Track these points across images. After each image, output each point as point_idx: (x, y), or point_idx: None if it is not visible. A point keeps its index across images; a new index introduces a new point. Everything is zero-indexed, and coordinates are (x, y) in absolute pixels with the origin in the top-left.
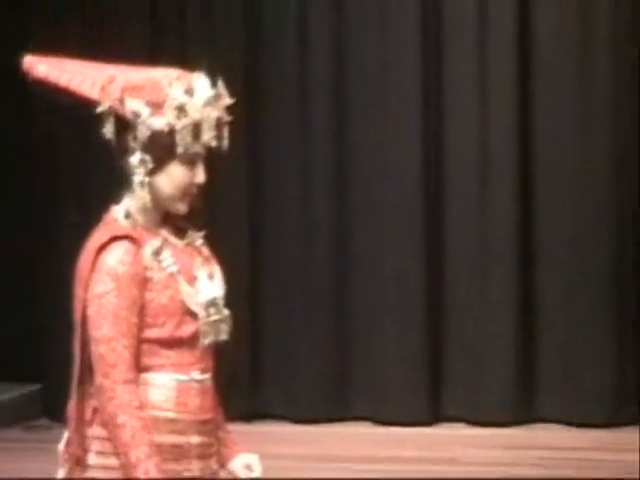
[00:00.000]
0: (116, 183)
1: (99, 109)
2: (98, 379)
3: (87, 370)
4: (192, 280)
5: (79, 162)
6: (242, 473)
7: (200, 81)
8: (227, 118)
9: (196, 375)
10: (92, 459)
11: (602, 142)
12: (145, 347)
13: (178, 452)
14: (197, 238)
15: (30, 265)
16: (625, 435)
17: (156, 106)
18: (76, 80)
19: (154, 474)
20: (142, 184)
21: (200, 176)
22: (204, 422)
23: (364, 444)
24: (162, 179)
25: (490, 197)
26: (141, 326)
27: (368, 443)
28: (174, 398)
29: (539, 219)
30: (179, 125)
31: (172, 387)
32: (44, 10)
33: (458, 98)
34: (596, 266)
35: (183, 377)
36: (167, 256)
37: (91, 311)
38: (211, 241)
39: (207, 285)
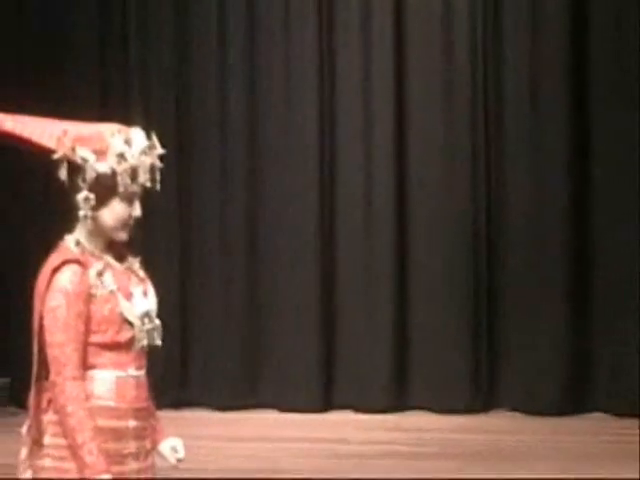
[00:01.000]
0: (70, 216)
1: (55, 156)
2: (52, 376)
3: (43, 368)
4: (129, 296)
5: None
6: (169, 454)
7: (137, 134)
8: (159, 164)
9: (132, 372)
10: (47, 440)
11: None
12: (91, 349)
13: (118, 434)
14: (134, 262)
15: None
16: (480, 419)
17: (100, 153)
18: (37, 133)
19: (95, 453)
20: (86, 217)
21: (137, 210)
22: (139, 409)
23: (269, 427)
24: (105, 213)
25: (373, 226)
26: (87, 333)
27: (272, 426)
28: (114, 390)
29: (414, 243)
30: (120, 169)
31: (112, 381)
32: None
33: (346, 132)
34: (459, 279)
35: (121, 373)
36: (108, 277)
37: (46, 321)
38: (147, 265)
39: (141, 300)
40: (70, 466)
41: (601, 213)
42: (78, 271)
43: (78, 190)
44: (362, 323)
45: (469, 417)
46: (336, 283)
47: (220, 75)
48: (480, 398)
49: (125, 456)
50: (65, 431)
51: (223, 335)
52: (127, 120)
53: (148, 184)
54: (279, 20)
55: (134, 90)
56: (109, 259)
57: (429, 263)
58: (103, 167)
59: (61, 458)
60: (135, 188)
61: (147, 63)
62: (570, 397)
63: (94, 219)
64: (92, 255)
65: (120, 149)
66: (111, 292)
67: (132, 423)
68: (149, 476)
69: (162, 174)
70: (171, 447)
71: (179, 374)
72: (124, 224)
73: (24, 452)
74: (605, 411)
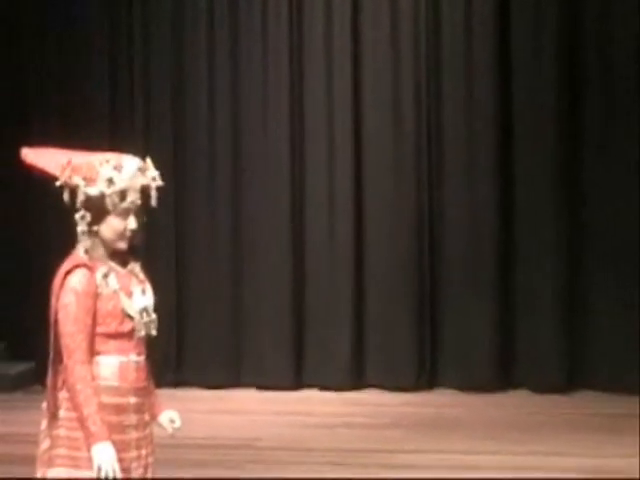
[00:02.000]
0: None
1: (57, 183)
2: (64, 360)
3: (58, 354)
4: (129, 294)
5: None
6: (167, 425)
7: (128, 160)
8: (155, 184)
9: (133, 357)
10: (62, 413)
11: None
12: (97, 339)
13: (121, 409)
14: (136, 266)
15: (27, 261)
16: (424, 395)
17: (90, 180)
18: (48, 164)
19: (99, 424)
20: (83, 232)
21: (132, 224)
22: (139, 388)
23: (249, 402)
24: (104, 228)
25: (334, 225)
26: (94, 325)
27: (252, 402)
28: (117, 372)
29: (369, 242)
30: (108, 192)
31: (116, 365)
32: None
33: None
34: (407, 273)
35: (124, 358)
36: (112, 278)
37: (60, 315)
38: (147, 268)
39: (140, 298)
40: (80, 435)
41: (523, 214)
42: (86, 274)
43: (76, 210)
44: (326, 314)
45: (415, 394)
46: (305, 281)
47: (210, 97)
48: (424, 377)
49: (127, 427)
50: (74, 406)
51: (211, 327)
52: (132, 134)
53: (139, 202)
54: (258, 53)
55: (139, 104)
56: (113, 264)
57: (382, 259)
58: (93, 191)
59: (73, 428)
60: (126, 206)
61: (149, 84)
62: (500, 376)
63: (96, 233)
64: (98, 261)
65: (109, 175)
66: (114, 291)
67: (133, 399)
68: (148, 443)
69: (160, 190)
70: (169, 418)
71: (175, 359)
72: (121, 236)
73: (44, 423)
74: (530, 388)
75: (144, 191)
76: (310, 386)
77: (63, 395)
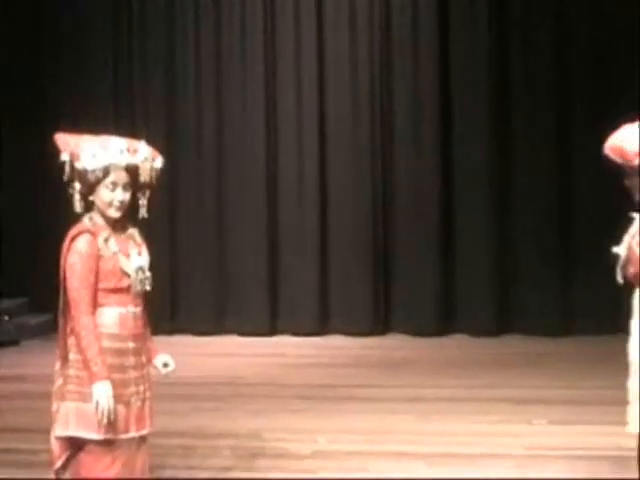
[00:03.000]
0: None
1: (60, 160)
2: (71, 311)
3: (66, 306)
4: (127, 255)
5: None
6: (161, 367)
7: (116, 140)
8: (149, 164)
9: (131, 308)
10: (71, 356)
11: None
12: (100, 293)
13: (120, 352)
14: (134, 232)
15: (44, 228)
16: (379, 339)
17: (75, 156)
18: (62, 145)
19: (100, 365)
20: (77, 201)
21: (118, 196)
22: (136, 335)
23: (232, 347)
24: (97, 198)
25: (303, 197)
26: (97, 282)
27: (235, 346)
28: (117, 321)
29: (332, 210)
30: (90, 167)
31: (116, 315)
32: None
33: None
34: (364, 234)
35: (123, 310)
36: (112, 242)
37: (67, 273)
38: (145, 233)
39: (136, 258)
40: (85, 374)
41: (461, 181)
42: (89, 238)
43: (71, 181)
44: (296, 273)
45: (371, 338)
46: (278, 248)
47: (197, 103)
48: (379, 324)
49: (126, 367)
50: (79, 350)
51: (200, 283)
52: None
53: (125, 178)
54: (238, 70)
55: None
56: (113, 230)
57: (344, 222)
58: (78, 165)
59: (80, 368)
60: (111, 180)
61: (147, 85)
62: (442, 322)
63: (92, 203)
64: (101, 227)
65: (93, 152)
66: (114, 253)
67: (131, 344)
68: (145, 381)
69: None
70: (163, 362)
71: (169, 310)
72: (110, 205)
73: (57, 365)
74: (466, 332)
75: (132, 169)
76: (283, 332)
77: (72, 341)
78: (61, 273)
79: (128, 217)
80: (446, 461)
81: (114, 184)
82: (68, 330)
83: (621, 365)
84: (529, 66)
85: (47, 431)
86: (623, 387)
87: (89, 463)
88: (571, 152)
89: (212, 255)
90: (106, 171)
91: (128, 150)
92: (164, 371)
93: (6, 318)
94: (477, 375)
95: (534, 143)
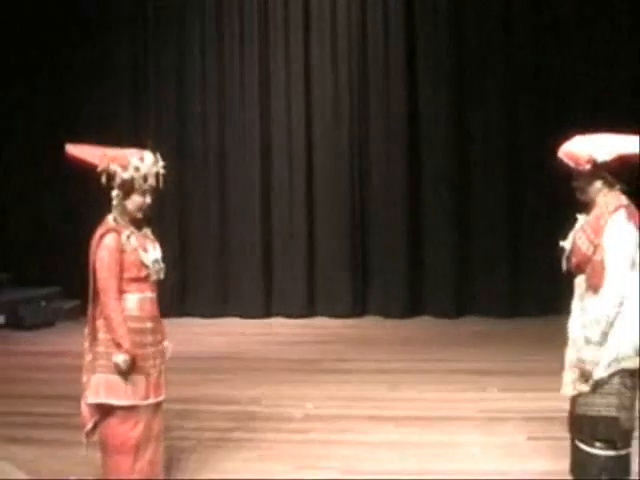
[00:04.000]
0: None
1: (98, 169)
2: (101, 298)
3: (96, 294)
4: (145, 250)
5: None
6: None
7: (147, 154)
8: (162, 171)
9: (149, 294)
10: (101, 335)
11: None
12: (124, 282)
13: (141, 330)
14: (148, 230)
15: (75, 225)
16: (357, 320)
17: (124, 167)
18: (87, 155)
19: (128, 341)
20: (116, 205)
21: (148, 200)
22: (153, 316)
23: (233, 327)
24: (129, 203)
25: (292, 192)
26: (121, 272)
27: (235, 326)
28: (138, 305)
29: (318, 202)
30: (136, 176)
31: (137, 300)
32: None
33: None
34: (345, 225)
35: (142, 295)
36: (133, 239)
37: (97, 265)
38: (155, 231)
39: (152, 252)
40: (113, 349)
41: (425, 190)
42: (115, 236)
43: (112, 189)
44: (287, 264)
45: (351, 319)
46: (272, 239)
47: (201, 90)
48: (357, 307)
49: (145, 344)
50: (109, 330)
51: (205, 274)
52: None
53: (154, 184)
54: (233, 82)
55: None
56: (133, 228)
57: (327, 223)
58: (126, 175)
59: (109, 346)
60: (146, 187)
61: (160, 96)
62: (410, 306)
63: (123, 206)
64: (123, 226)
65: (136, 164)
66: (135, 248)
67: (149, 324)
68: (161, 355)
69: (165, 177)
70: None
71: (179, 296)
72: (140, 208)
73: (86, 343)
74: (431, 314)
75: (156, 176)
76: (276, 315)
77: (100, 322)
78: (91, 265)
79: (143, 219)
80: (412, 423)
81: (146, 190)
82: (97, 314)
83: (561, 342)
84: (483, 85)
85: (79, 398)
86: (562, 359)
87: (115, 425)
88: (521, 160)
89: (216, 250)
90: (145, 179)
91: (155, 161)
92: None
93: (43, 304)
94: (439, 350)
95: (488, 150)
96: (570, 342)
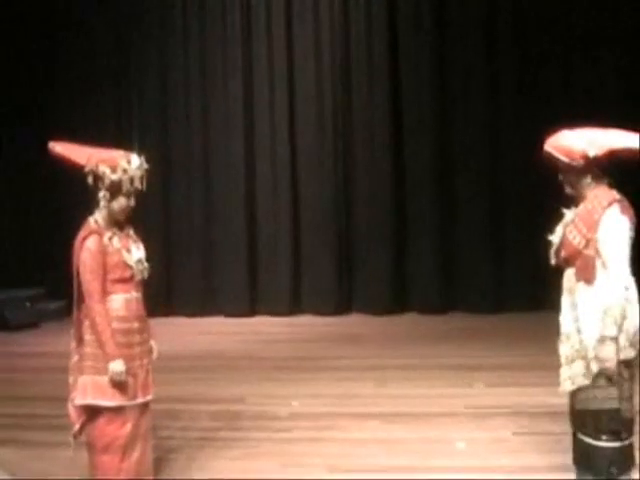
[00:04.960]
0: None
1: (85, 169)
2: (86, 300)
3: (80, 295)
4: (128, 250)
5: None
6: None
7: (134, 157)
8: (146, 174)
9: (134, 294)
10: (87, 337)
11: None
12: (108, 283)
13: (127, 331)
14: (130, 230)
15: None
16: (342, 318)
17: (112, 169)
18: (74, 155)
19: (113, 346)
20: (104, 206)
21: (132, 202)
22: (139, 316)
23: (218, 326)
24: (115, 204)
25: (277, 190)
26: (105, 274)
27: (220, 325)
28: (124, 305)
29: (302, 205)
30: (124, 178)
31: (122, 300)
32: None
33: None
34: (331, 225)
35: (128, 295)
36: (115, 240)
37: (80, 268)
38: (140, 232)
39: (136, 252)
40: (100, 352)
41: (410, 189)
42: (97, 238)
43: (99, 190)
44: (272, 263)
45: (336, 317)
46: (256, 238)
47: (185, 84)
48: (343, 305)
49: (132, 344)
50: (94, 332)
51: (191, 273)
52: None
53: (139, 186)
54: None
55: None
56: (115, 229)
57: (312, 224)
58: (114, 177)
59: (95, 347)
60: (132, 189)
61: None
62: (395, 303)
63: (109, 207)
64: (105, 228)
65: (124, 166)
66: (117, 249)
67: (136, 324)
68: (147, 355)
69: (149, 179)
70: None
71: (165, 296)
72: (124, 211)
73: (73, 344)
74: (417, 311)
75: (141, 179)
76: (261, 313)
77: (86, 324)
78: (74, 268)
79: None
80: (399, 419)
81: (131, 192)
82: (82, 315)
83: (547, 337)
84: (466, 84)
85: (65, 399)
86: (548, 355)
87: (103, 426)
88: (505, 156)
89: (201, 250)
90: (132, 181)
91: (140, 164)
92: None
93: (28, 304)
94: (425, 347)
95: (471, 148)
96: (563, 337)
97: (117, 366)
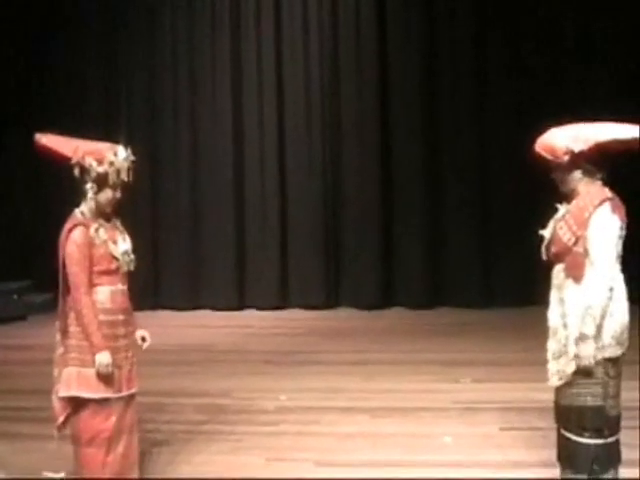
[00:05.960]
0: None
1: (72, 162)
2: (72, 292)
3: (66, 288)
4: (115, 242)
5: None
6: (140, 341)
7: (121, 149)
8: (132, 166)
9: (120, 286)
10: (72, 329)
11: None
12: (94, 275)
13: (113, 323)
14: (117, 222)
15: (47, 219)
16: (330, 312)
17: (99, 161)
18: (60, 147)
19: (99, 338)
20: (91, 198)
21: (118, 195)
22: (125, 309)
23: (207, 319)
24: (101, 196)
25: (265, 188)
26: (91, 266)
27: (209, 319)
28: (109, 297)
29: (290, 199)
30: (110, 170)
31: (108, 292)
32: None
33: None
34: (318, 220)
35: (113, 287)
36: (102, 231)
37: (66, 261)
38: (127, 223)
39: (122, 244)
40: (85, 344)
41: (397, 184)
42: (83, 230)
43: (85, 182)
44: (260, 256)
45: (324, 311)
46: (245, 232)
47: (174, 81)
48: (330, 299)
49: (117, 336)
50: (80, 324)
51: (178, 266)
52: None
53: (125, 179)
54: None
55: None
56: (101, 221)
57: (300, 218)
58: (101, 169)
59: (81, 339)
60: (118, 182)
61: (134, 97)
62: (382, 297)
63: (95, 200)
64: (91, 220)
65: (111, 158)
66: (104, 241)
67: (121, 317)
68: (132, 347)
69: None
70: (141, 336)
71: (153, 289)
72: (111, 203)
73: (58, 336)
74: (403, 305)
75: (127, 171)
76: (250, 307)
77: (72, 316)
78: (60, 260)
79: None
80: (387, 414)
81: (117, 184)
82: (67, 308)
83: (535, 332)
84: (455, 78)
85: (50, 392)
86: (536, 350)
87: (87, 419)
88: (494, 152)
89: (189, 242)
90: (118, 173)
91: (127, 156)
92: (143, 345)
93: (15, 297)
94: (413, 341)
95: (459, 145)
96: (550, 332)
97: (104, 358)
